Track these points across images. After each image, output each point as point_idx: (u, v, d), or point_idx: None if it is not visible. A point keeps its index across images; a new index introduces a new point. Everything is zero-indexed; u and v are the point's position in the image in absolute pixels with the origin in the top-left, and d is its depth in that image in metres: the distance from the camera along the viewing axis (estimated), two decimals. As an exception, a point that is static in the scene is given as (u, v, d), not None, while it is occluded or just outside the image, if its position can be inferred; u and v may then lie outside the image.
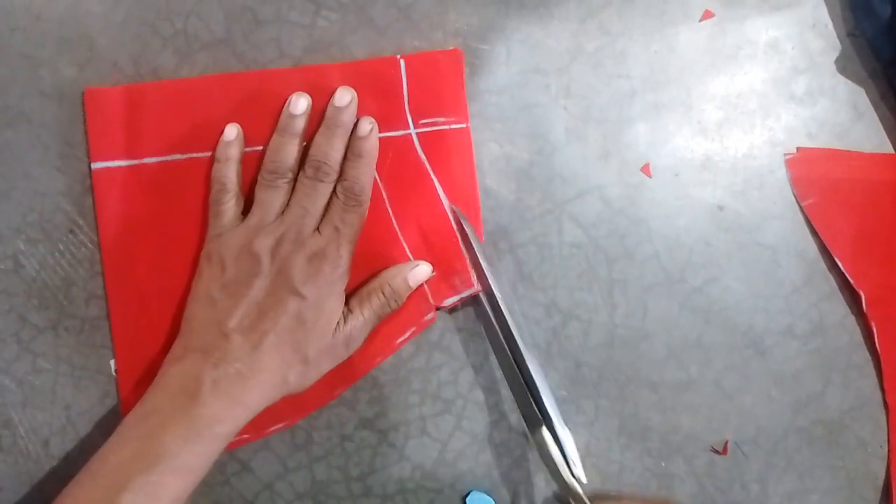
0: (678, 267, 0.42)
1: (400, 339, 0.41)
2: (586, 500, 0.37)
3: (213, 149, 0.39)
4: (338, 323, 0.38)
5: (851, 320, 0.42)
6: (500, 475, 0.42)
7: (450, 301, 0.41)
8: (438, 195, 0.41)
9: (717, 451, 0.42)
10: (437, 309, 0.41)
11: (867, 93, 0.42)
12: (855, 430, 0.43)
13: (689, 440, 0.42)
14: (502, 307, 0.39)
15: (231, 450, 0.41)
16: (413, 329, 0.41)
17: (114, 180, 0.39)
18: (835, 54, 0.42)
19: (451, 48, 0.41)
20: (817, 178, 0.42)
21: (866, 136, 0.42)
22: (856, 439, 0.43)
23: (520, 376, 0.39)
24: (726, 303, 0.42)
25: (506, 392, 0.41)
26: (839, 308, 0.42)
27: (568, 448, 0.37)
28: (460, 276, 0.41)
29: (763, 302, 0.42)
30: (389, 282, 0.39)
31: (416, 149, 0.40)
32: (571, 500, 0.38)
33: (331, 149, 0.38)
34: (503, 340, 0.39)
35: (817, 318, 0.42)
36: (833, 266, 0.42)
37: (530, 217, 0.42)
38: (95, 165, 0.39)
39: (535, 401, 0.38)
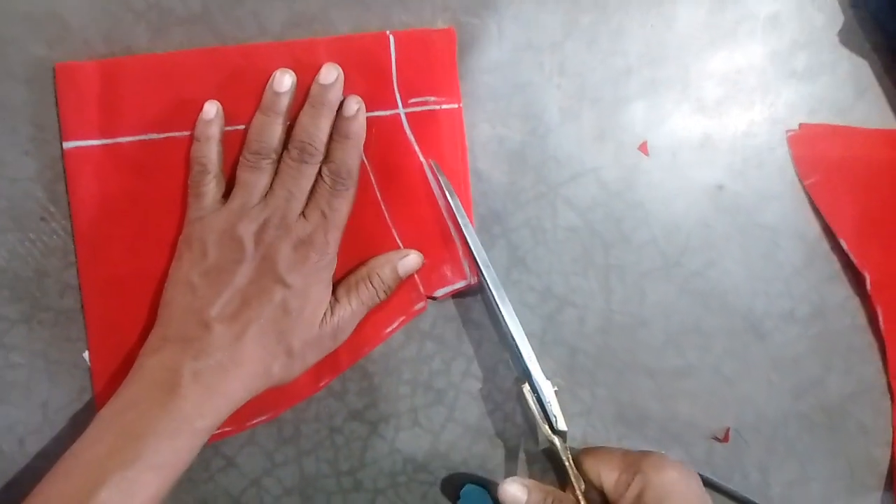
0: (676, 250, 0.41)
1: (388, 329, 0.40)
2: (565, 455, 0.37)
3: (193, 128, 0.38)
4: (324, 313, 0.37)
5: (854, 303, 0.42)
6: (496, 467, 0.41)
7: (441, 292, 0.40)
8: (428, 179, 0.39)
9: (718, 439, 0.41)
10: (428, 299, 0.40)
11: (870, 67, 0.41)
12: (857, 416, 0.42)
13: (687, 428, 0.42)
14: (478, 257, 0.38)
15: (215, 444, 0.40)
16: (402, 318, 0.40)
17: (87, 161, 0.38)
18: (837, 27, 0.41)
19: (439, 23, 0.39)
20: (820, 156, 0.41)
21: (869, 111, 0.41)
22: (858, 425, 0.42)
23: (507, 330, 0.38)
24: (725, 286, 0.41)
25: (500, 381, 0.41)
26: (841, 290, 0.42)
27: (549, 402, 0.37)
28: (452, 265, 0.40)
29: (763, 285, 0.42)
30: (378, 271, 0.38)
31: (404, 129, 0.39)
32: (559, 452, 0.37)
33: (316, 129, 0.37)
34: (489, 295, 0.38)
35: (819, 301, 0.42)
36: (836, 247, 0.41)
37: (524, 200, 0.41)
38: (67, 145, 0.38)
39: (518, 356, 0.38)
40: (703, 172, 0.41)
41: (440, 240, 0.40)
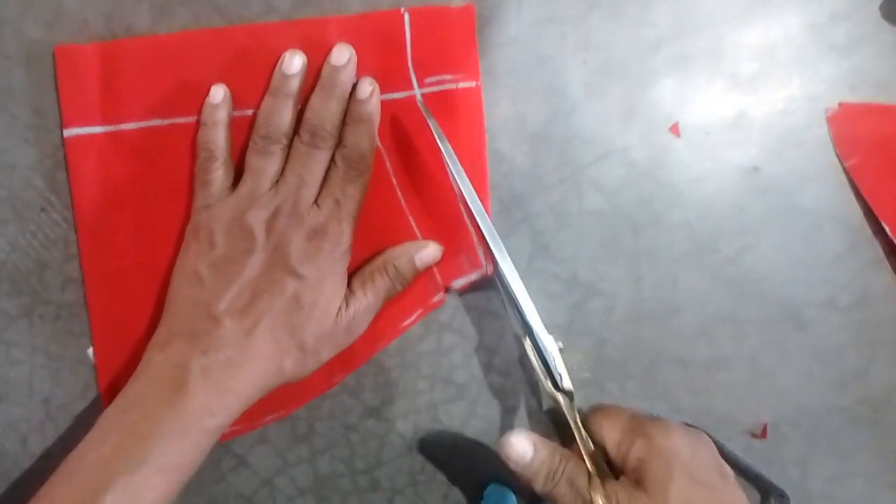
0: (710, 235, 0.39)
1: (405, 322, 0.39)
2: (571, 413, 0.35)
3: (199, 112, 0.37)
4: (339, 306, 0.36)
5: (898, 289, 0.40)
6: (521, 465, 0.40)
7: (458, 283, 0.39)
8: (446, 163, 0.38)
9: (755, 435, 0.40)
10: (446, 290, 0.39)
11: (916, 39, 0.39)
12: (902, 409, 0.40)
13: (723, 422, 0.40)
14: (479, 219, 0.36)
15: (226, 443, 0.39)
16: (420, 311, 0.39)
17: (89, 148, 0.37)
18: (879, -2, 0.39)
19: (459, 2, 0.37)
20: (862, 136, 0.39)
21: (914, 87, 0.39)
22: (903, 419, 0.40)
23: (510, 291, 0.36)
24: (762, 273, 0.40)
25: (524, 373, 0.39)
26: (885, 277, 0.40)
27: (553, 359, 0.35)
28: (468, 254, 0.39)
29: (802, 271, 0.40)
30: (394, 261, 0.37)
31: (421, 111, 0.37)
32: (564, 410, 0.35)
33: (328, 112, 0.36)
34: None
35: (861, 289, 0.40)
36: (879, 231, 0.39)
37: (547, 183, 0.39)
38: (68, 132, 0.37)
39: (517, 312, 0.36)
40: (738, 152, 0.39)
41: (459, 227, 0.38)
